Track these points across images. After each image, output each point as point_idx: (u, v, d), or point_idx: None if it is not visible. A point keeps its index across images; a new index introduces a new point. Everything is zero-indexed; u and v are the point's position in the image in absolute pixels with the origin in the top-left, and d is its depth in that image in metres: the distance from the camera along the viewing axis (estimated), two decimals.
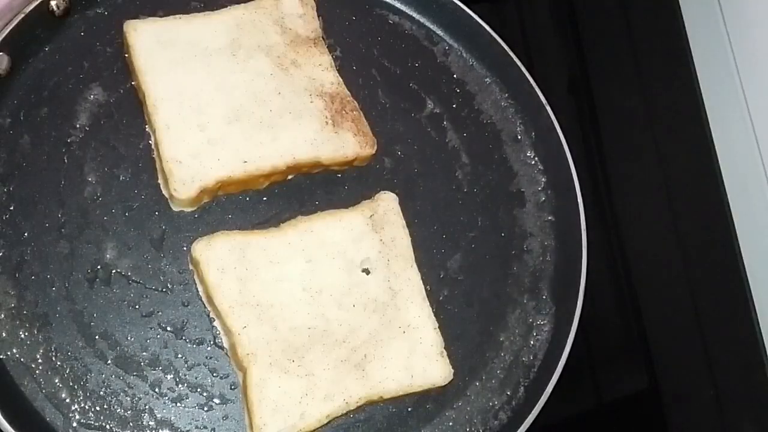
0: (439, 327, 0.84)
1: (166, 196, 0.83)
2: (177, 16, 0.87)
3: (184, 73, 0.85)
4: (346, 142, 0.86)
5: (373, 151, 0.87)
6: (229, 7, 0.89)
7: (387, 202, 0.86)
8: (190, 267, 0.82)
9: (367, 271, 0.84)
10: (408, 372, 0.81)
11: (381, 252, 0.84)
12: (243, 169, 0.83)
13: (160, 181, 0.84)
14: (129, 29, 0.85)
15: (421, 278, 0.85)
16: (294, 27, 0.90)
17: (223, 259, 0.81)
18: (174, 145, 0.82)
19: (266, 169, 0.84)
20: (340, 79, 0.89)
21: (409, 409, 0.83)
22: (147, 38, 0.85)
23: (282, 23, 0.89)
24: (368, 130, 0.88)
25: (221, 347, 0.81)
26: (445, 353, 0.83)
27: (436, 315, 0.84)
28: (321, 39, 0.90)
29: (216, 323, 0.81)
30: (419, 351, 0.82)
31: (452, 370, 0.83)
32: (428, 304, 0.84)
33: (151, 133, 0.84)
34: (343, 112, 0.87)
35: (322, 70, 0.89)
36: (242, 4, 0.90)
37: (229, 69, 0.86)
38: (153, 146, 0.84)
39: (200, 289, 0.82)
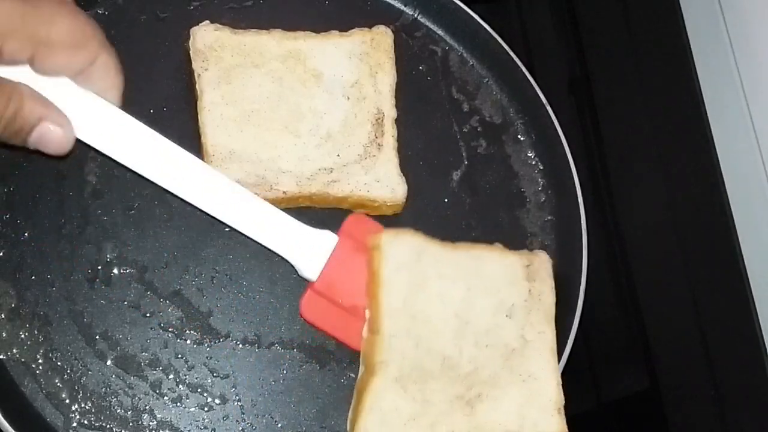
0: None
1: None
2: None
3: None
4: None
5: None
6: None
7: (542, 260, 0.85)
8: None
9: (509, 316, 0.82)
10: (519, 421, 0.79)
11: (527, 302, 0.83)
12: None
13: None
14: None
15: None
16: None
17: (402, 258, 0.79)
18: None
19: None
20: None
21: None
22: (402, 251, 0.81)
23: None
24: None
25: (222, 347, 0.81)
26: (563, 411, 0.81)
27: None
28: None
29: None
30: (536, 402, 0.80)
31: (566, 429, 0.81)
32: (557, 359, 0.83)
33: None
34: None
35: None
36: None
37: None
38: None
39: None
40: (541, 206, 0.93)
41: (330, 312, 0.81)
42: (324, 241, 0.81)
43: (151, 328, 0.81)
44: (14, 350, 0.78)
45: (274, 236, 0.80)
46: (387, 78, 0.90)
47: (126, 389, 0.79)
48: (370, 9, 0.95)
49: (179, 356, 0.80)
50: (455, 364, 0.79)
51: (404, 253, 0.80)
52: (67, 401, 0.78)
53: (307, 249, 0.81)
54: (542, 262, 0.86)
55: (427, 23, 0.97)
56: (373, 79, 0.90)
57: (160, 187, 0.83)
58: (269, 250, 0.81)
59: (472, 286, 0.82)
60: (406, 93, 0.92)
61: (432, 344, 0.79)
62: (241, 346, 0.82)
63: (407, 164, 0.90)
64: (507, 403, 0.80)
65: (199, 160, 0.79)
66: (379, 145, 0.88)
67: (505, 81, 0.96)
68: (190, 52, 0.87)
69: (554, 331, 0.84)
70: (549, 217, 0.93)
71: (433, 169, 0.91)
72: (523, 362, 0.81)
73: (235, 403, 0.80)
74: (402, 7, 0.97)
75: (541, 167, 0.94)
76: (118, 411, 0.78)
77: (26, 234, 0.81)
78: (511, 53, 0.95)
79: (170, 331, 0.81)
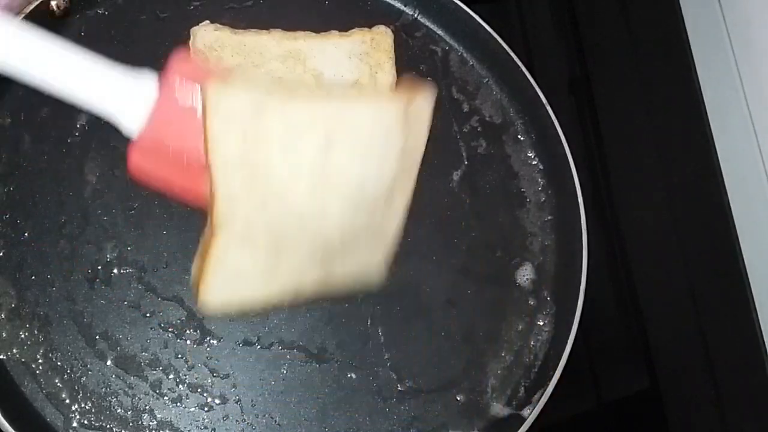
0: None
1: None
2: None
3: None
4: None
5: None
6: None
7: (423, 102, 0.77)
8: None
9: (378, 170, 0.74)
10: (356, 266, 0.76)
11: (401, 154, 0.75)
12: None
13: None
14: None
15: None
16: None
17: (235, 109, 0.70)
18: None
19: None
20: None
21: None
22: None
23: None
24: None
25: (221, 347, 0.81)
26: (388, 258, 0.78)
27: None
28: None
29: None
30: (373, 252, 0.77)
31: (384, 273, 0.79)
32: (404, 217, 0.78)
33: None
34: None
35: None
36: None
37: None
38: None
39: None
40: (541, 206, 0.93)
41: (166, 169, 0.71)
42: (144, 85, 0.70)
43: (151, 328, 0.81)
44: (14, 350, 0.78)
45: (78, 84, 0.68)
46: (387, 78, 0.90)
47: (126, 389, 0.79)
48: (370, 9, 0.95)
49: (179, 356, 0.80)
50: (318, 225, 0.73)
51: (238, 104, 0.70)
52: (67, 401, 0.78)
53: (123, 96, 0.69)
54: (423, 105, 0.77)
55: (427, 23, 0.97)
56: (373, 79, 0.90)
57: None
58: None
59: (333, 137, 0.72)
60: None
61: (283, 202, 0.72)
62: (240, 346, 0.82)
63: None
64: (356, 259, 0.76)
65: None
66: None
67: (505, 81, 0.96)
68: (190, 52, 0.87)
69: (412, 188, 0.78)
70: (549, 217, 0.93)
71: (433, 169, 0.91)
72: (381, 223, 0.76)
73: (235, 403, 0.80)
74: (402, 7, 0.97)
75: (541, 167, 0.94)
76: (118, 411, 0.78)
77: (26, 234, 0.81)
78: (511, 53, 0.95)
79: (170, 331, 0.81)
